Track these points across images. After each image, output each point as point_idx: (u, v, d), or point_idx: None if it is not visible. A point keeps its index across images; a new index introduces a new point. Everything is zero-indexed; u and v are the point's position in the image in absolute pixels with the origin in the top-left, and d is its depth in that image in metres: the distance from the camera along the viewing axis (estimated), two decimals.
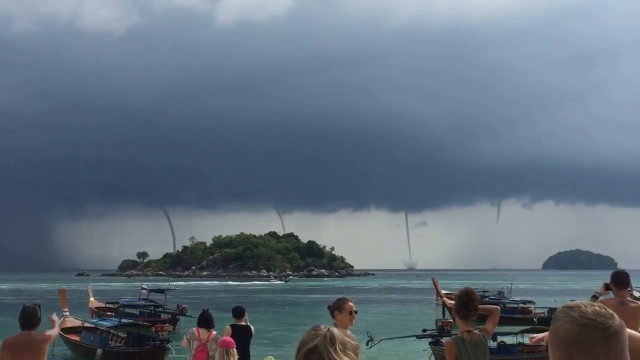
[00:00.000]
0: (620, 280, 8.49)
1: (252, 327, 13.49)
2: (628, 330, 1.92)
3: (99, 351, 26.16)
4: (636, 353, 2.04)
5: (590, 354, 1.79)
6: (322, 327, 2.28)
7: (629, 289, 8.74)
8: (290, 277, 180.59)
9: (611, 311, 1.92)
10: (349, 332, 2.37)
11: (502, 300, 45.76)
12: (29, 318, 8.97)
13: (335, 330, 2.21)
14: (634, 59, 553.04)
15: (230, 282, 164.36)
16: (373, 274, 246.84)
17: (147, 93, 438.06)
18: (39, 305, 9.03)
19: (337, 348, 2.13)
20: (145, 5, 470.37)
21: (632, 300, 8.58)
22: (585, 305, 1.92)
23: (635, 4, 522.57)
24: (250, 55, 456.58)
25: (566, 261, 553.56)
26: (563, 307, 1.98)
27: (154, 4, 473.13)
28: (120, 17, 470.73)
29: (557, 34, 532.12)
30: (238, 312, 13.49)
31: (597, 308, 1.91)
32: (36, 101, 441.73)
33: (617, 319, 1.89)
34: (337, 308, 7.88)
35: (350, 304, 7.94)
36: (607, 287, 8.81)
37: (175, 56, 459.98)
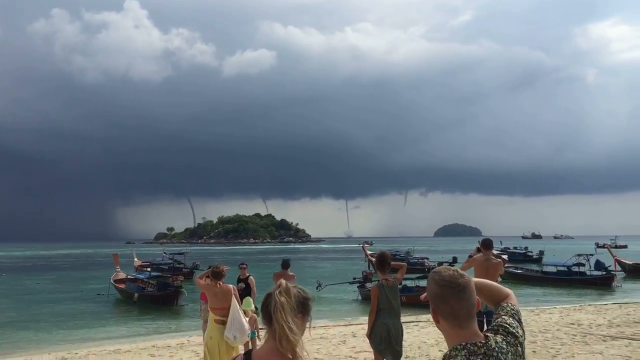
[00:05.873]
0: (487, 244, 8.36)
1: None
2: (473, 279, 1.94)
3: (136, 295, 25.71)
4: (482, 294, 2.02)
5: (447, 303, 1.87)
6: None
7: (492, 250, 8.60)
8: (373, 242, 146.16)
9: (461, 272, 1.92)
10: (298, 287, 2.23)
11: (407, 258, 46.05)
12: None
13: (283, 282, 2.19)
14: (499, 98, 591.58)
15: (228, 247, 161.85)
16: (324, 240, 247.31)
17: (176, 121, 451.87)
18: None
19: (280, 291, 2.14)
20: (176, 62, 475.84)
21: (494, 257, 8.43)
22: (444, 271, 1.94)
23: (500, 60, 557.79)
24: (245, 97, 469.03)
25: (448, 231, 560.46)
26: (431, 272, 2.00)
27: (181, 62, 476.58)
28: (159, 70, 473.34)
29: (446, 81, 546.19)
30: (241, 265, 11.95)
31: (451, 272, 1.92)
32: (96, 125, 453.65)
33: (465, 278, 1.90)
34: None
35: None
36: (478, 249, 8.60)
37: (194, 97, 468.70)
